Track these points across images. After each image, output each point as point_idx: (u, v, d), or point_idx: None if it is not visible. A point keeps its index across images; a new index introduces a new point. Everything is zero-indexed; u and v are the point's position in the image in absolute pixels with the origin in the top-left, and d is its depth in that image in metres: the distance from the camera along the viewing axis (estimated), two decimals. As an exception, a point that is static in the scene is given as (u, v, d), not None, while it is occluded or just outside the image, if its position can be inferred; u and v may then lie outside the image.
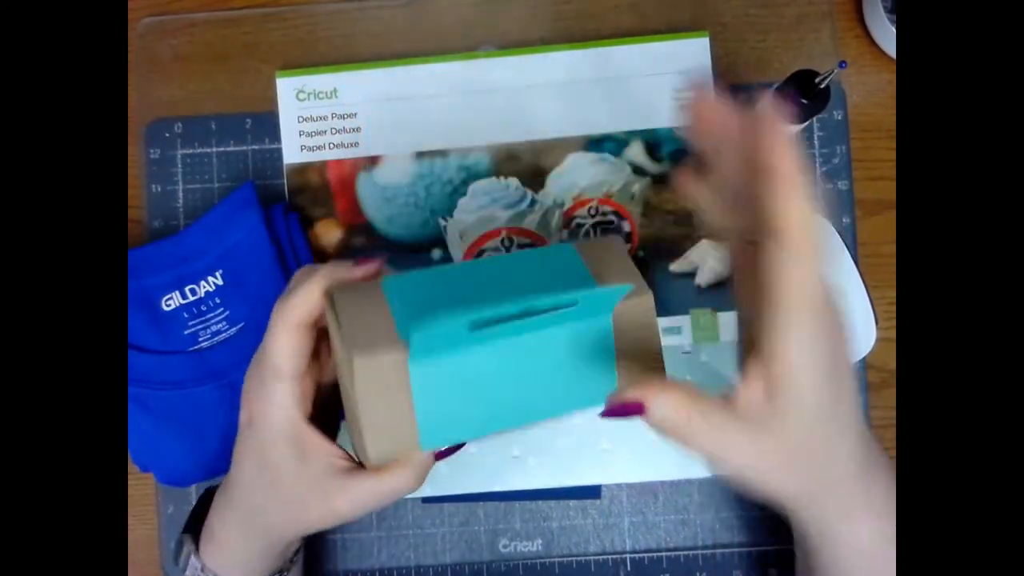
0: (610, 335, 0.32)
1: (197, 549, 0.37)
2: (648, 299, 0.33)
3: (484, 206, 0.48)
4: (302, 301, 0.32)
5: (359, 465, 0.34)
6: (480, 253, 0.48)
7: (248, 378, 0.34)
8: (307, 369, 0.33)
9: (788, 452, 0.29)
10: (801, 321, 0.28)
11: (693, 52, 0.49)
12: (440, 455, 0.34)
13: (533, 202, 0.49)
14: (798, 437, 0.29)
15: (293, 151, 0.49)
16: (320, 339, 0.34)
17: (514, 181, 0.49)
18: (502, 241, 0.48)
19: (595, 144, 0.49)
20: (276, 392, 0.32)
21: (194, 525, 0.38)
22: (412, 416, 0.31)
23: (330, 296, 0.32)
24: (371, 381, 0.30)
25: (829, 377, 0.29)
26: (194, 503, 0.41)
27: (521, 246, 0.49)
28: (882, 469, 0.32)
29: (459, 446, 0.33)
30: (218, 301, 0.47)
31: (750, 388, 0.29)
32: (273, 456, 0.33)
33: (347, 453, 0.34)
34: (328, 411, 0.36)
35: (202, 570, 0.36)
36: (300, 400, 0.33)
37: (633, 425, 0.47)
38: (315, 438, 0.33)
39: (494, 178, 0.49)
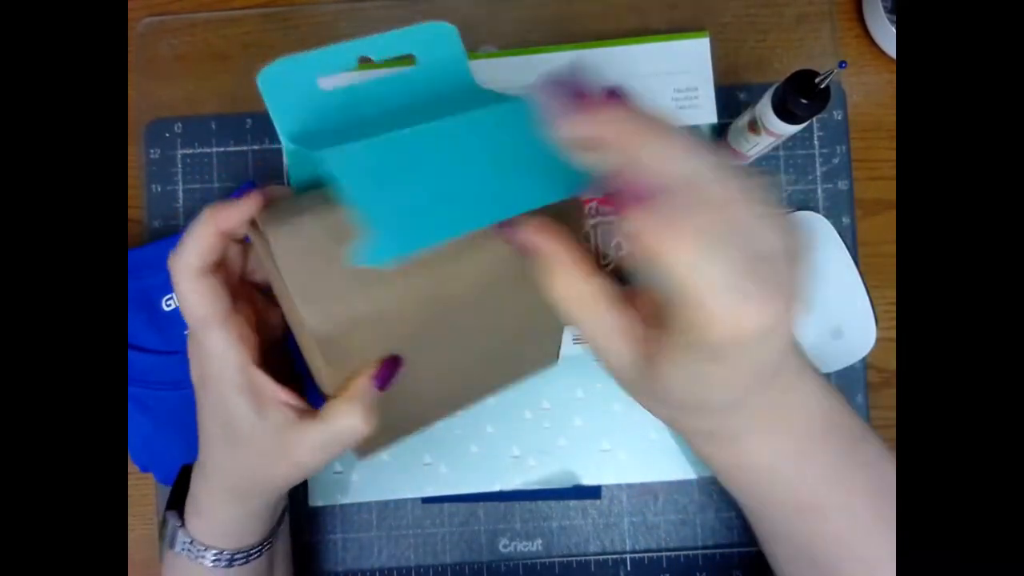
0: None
1: (183, 524, 0.37)
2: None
3: (484, 206, 0.48)
4: (193, 246, 0.31)
5: (313, 411, 0.33)
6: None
7: (188, 345, 0.34)
8: (234, 314, 0.32)
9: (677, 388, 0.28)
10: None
11: (693, 52, 0.49)
12: (380, 381, 0.32)
13: (533, 202, 0.48)
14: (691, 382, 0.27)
15: (293, 151, 0.49)
16: (249, 295, 0.34)
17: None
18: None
19: (595, 144, 0.49)
20: (211, 341, 0.32)
21: (177, 501, 0.38)
22: (344, 269, 0.29)
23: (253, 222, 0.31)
24: (291, 250, 0.29)
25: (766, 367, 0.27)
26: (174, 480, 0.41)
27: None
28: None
29: (395, 366, 0.32)
30: (218, 301, 0.47)
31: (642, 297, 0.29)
32: (231, 410, 0.32)
33: (301, 398, 0.34)
34: (282, 371, 0.35)
35: (191, 543, 0.36)
36: (238, 342, 0.32)
37: (633, 425, 0.48)
38: (266, 382, 0.32)
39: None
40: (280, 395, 0.33)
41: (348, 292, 0.29)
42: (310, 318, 0.28)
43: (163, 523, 0.38)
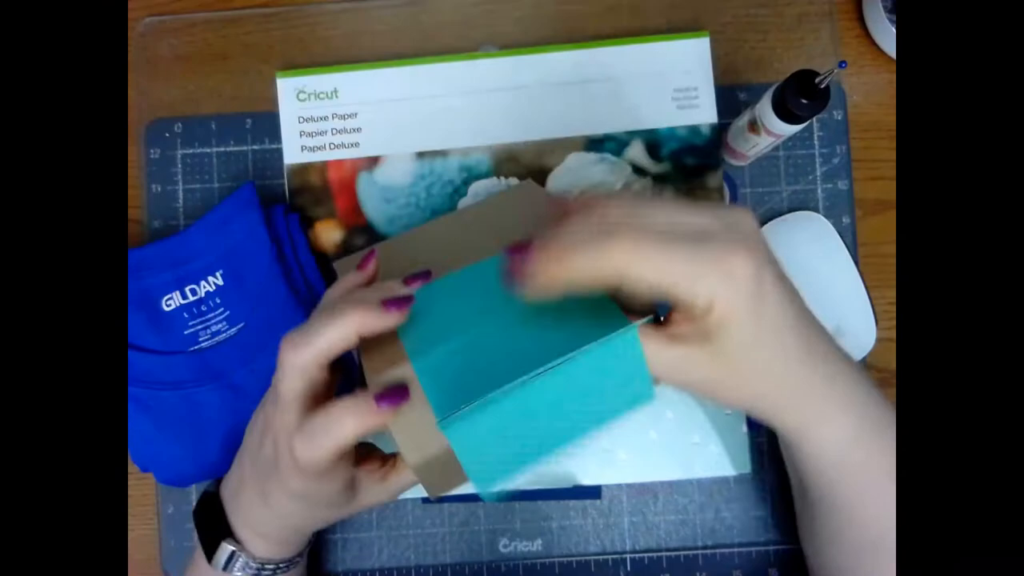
0: (639, 360, 0.32)
1: (241, 546, 0.38)
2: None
3: (484, 206, 0.48)
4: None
5: (387, 459, 0.37)
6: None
7: (277, 435, 0.34)
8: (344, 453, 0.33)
9: (735, 365, 0.31)
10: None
11: (693, 52, 0.49)
12: None
13: (533, 202, 0.48)
14: (739, 351, 0.30)
15: (293, 151, 0.49)
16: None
17: (515, 181, 0.49)
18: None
19: (595, 144, 0.49)
20: (324, 479, 0.33)
21: (217, 526, 0.39)
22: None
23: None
24: (412, 445, 0.31)
25: (756, 296, 0.29)
26: (196, 505, 0.40)
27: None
28: (849, 373, 0.34)
29: None
30: (218, 301, 0.47)
31: (679, 313, 0.31)
32: (328, 498, 0.35)
33: (380, 460, 0.37)
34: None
35: (253, 560, 0.38)
36: (345, 467, 0.34)
37: (633, 425, 0.48)
38: (363, 475, 0.36)
39: (495, 178, 0.49)
40: (371, 470, 0.36)
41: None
42: (415, 469, 0.32)
43: (208, 547, 0.38)
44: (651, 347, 0.31)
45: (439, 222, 0.44)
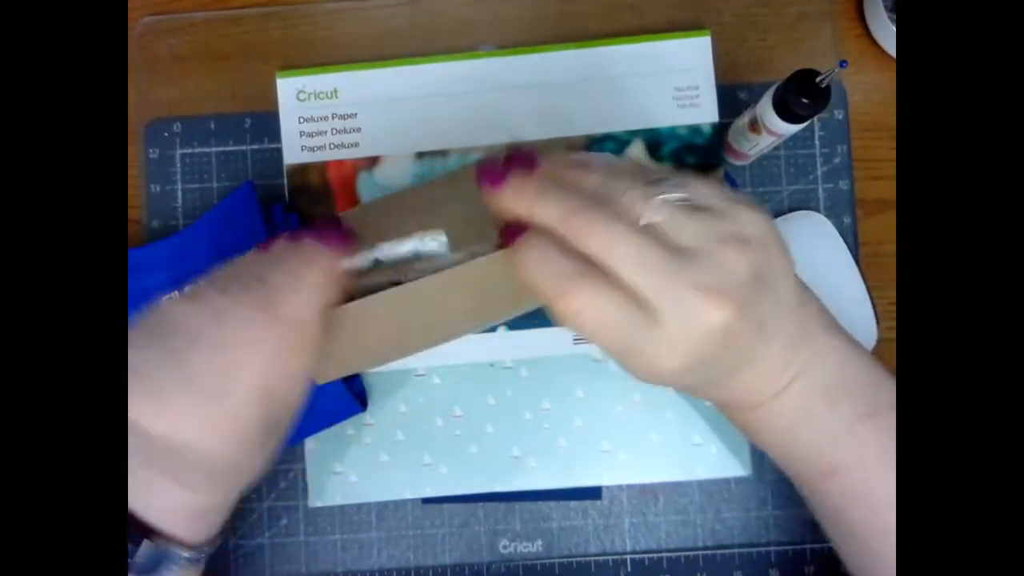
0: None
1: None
2: None
3: (484, 206, 0.48)
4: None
5: None
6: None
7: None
8: None
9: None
10: None
11: (693, 52, 0.49)
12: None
13: (533, 202, 0.48)
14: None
15: (293, 151, 0.49)
16: None
17: (514, 181, 0.49)
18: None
19: (596, 144, 0.49)
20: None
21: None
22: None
23: None
24: None
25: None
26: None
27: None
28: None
29: None
30: (218, 301, 0.46)
31: None
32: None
33: None
34: None
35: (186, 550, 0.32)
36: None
37: (633, 426, 0.47)
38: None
39: (494, 178, 0.49)
40: None
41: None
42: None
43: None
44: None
45: (407, 191, 0.42)
